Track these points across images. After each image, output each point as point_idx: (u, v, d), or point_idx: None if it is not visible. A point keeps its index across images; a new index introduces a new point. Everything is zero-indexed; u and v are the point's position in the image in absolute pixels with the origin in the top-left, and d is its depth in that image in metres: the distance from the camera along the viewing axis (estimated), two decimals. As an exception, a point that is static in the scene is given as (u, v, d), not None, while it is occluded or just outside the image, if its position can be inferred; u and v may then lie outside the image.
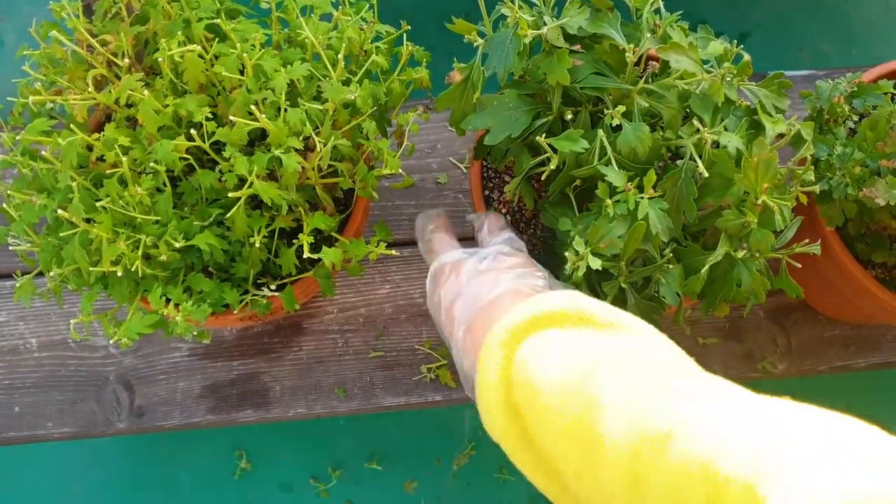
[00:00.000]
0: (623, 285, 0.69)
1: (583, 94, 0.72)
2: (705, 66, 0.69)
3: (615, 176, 0.65)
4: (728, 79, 0.69)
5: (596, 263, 0.64)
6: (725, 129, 0.68)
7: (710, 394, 0.47)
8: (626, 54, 0.68)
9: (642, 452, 0.44)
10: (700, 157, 0.67)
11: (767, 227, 0.67)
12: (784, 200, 0.67)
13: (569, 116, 0.71)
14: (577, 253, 0.65)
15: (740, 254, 0.67)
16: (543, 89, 0.73)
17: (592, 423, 0.47)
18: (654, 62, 0.76)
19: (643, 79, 0.70)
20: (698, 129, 0.68)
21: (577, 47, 0.73)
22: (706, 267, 0.67)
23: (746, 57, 0.73)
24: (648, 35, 0.69)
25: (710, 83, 0.68)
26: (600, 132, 0.67)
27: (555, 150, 0.68)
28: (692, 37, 0.72)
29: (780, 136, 0.71)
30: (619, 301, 0.69)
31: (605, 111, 0.69)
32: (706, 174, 0.66)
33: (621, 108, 0.67)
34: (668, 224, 0.66)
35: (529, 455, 0.55)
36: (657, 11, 0.72)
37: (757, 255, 0.68)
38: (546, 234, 0.87)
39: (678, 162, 0.69)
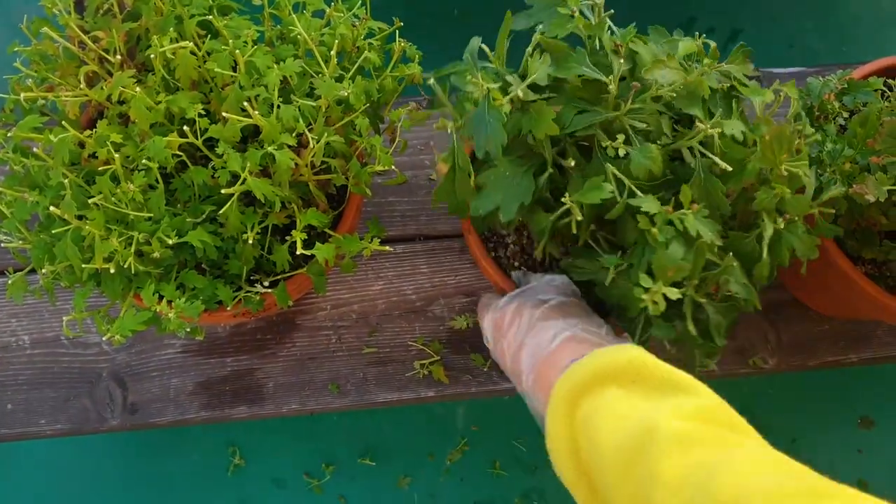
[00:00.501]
0: (699, 300, 0.69)
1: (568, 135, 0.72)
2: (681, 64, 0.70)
3: (650, 204, 0.65)
4: (708, 72, 0.69)
5: (674, 293, 0.64)
6: (721, 119, 0.69)
7: (764, 453, 0.50)
8: (609, 86, 0.68)
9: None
10: (710, 152, 0.68)
11: (796, 191, 0.70)
12: (800, 162, 0.68)
13: (572, 163, 0.70)
14: (646, 290, 0.65)
15: (781, 224, 0.70)
16: (530, 144, 0.72)
17: (649, 492, 0.50)
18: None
19: (628, 100, 0.69)
20: (699, 128, 0.68)
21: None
22: (765, 250, 0.69)
23: (712, 44, 0.74)
24: (619, 59, 0.69)
25: (695, 80, 0.69)
26: (609, 167, 0.67)
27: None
28: (655, 44, 0.72)
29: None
30: (699, 318, 0.69)
31: (600, 141, 0.69)
32: (726, 167, 0.67)
33: (622, 137, 0.67)
34: (716, 228, 0.66)
35: (588, 492, 0.60)
36: (609, 30, 0.72)
37: (796, 219, 0.71)
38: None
39: (690, 163, 0.69)
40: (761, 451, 0.51)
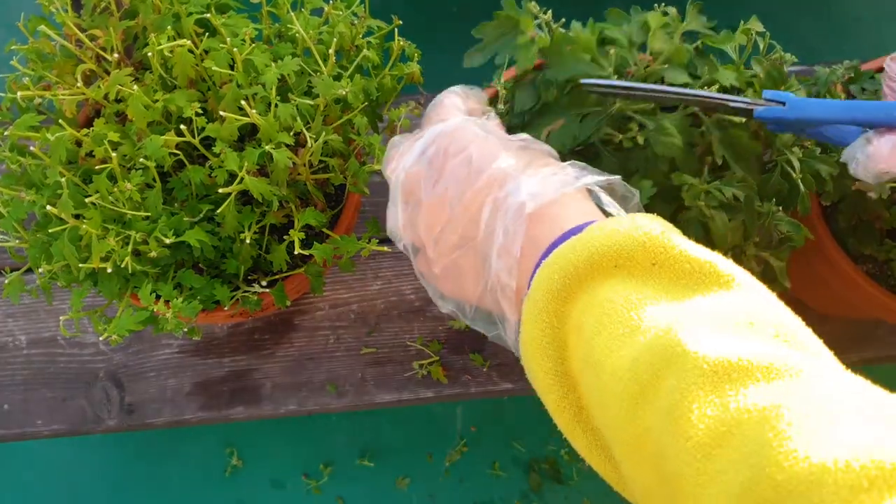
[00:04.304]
0: (762, 253, 0.70)
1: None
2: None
3: (688, 176, 0.66)
4: (680, 37, 0.71)
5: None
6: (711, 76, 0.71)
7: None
8: (611, 78, 0.68)
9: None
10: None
11: None
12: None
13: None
14: None
15: (799, 152, 0.72)
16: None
17: (663, 446, 0.36)
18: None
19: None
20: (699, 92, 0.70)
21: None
22: (799, 182, 0.70)
23: (672, 10, 0.76)
24: (609, 52, 0.70)
25: (678, 48, 0.70)
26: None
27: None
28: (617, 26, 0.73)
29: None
30: (764, 270, 0.70)
31: (611, 138, 0.69)
32: (740, 119, 0.68)
33: (635, 126, 0.68)
34: (746, 187, 0.68)
35: (583, 432, 0.43)
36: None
37: (810, 146, 0.74)
38: None
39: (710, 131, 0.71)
40: (843, 389, 0.34)
